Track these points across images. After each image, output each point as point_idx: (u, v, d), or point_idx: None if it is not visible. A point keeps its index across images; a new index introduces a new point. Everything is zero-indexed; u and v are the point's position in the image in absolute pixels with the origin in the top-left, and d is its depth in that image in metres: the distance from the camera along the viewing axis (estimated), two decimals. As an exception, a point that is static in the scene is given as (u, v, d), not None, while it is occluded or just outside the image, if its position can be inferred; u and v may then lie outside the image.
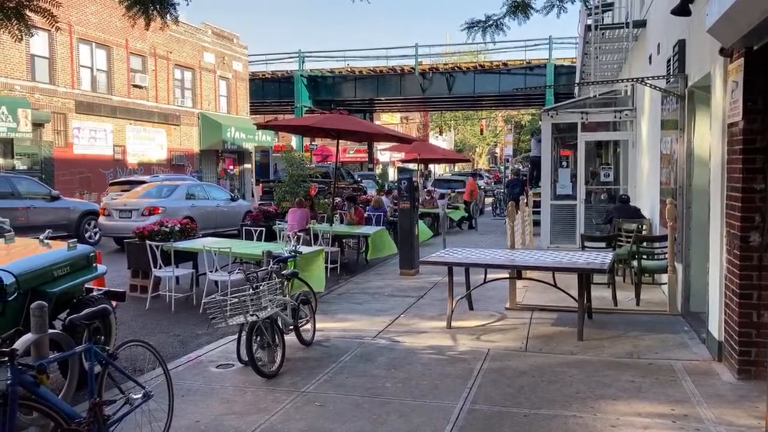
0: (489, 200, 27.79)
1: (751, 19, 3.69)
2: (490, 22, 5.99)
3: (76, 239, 5.46)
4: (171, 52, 25.41)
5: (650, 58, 9.23)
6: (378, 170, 37.96)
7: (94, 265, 5.33)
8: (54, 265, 4.80)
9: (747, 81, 4.47)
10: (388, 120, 51.70)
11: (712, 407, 4.25)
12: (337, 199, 13.87)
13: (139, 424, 3.67)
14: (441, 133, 54.29)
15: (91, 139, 21.76)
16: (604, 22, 12.66)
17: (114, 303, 5.78)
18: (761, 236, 4.53)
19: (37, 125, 19.40)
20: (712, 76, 5.52)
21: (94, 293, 5.28)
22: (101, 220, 13.61)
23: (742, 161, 4.60)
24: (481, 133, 59.67)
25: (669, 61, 7.36)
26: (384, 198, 15.59)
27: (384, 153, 39.73)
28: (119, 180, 17.89)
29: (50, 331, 3.52)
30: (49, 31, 18.41)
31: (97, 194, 19.90)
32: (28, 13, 5.33)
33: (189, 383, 4.90)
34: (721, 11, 3.89)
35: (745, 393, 4.48)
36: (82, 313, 3.35)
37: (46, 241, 5.30)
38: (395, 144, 19.00)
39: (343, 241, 11.63)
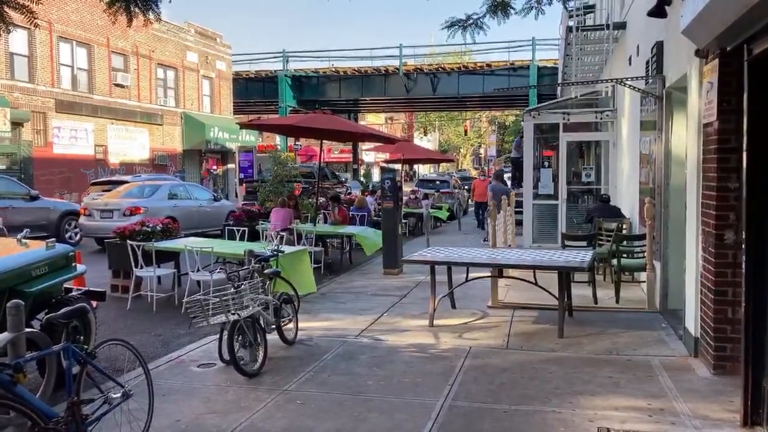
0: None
1: (724, 19, 3.76)
2: (470, 21, 6.04)
3: (54, 239, 5.40)
4: (153, 51, 25.19)
5: (630, 59, 9.36)
6: (362, 170, 37.98)
7: (73, 264, 5.28)
8: (32, 264, 4.76)
9: (721, 82, 4.56)
10: (373, 120, 51.74)
11: (688, 402, 4.32)
12: (321, 199, 13.85)
13: (118, 424, 3.64)
14: (425, 133, 54.46)
15: (72, 138, 21.49)
16: (586, 24, 12.82)
17: (94, 303, 5.73)
18: (735, 234, 4.62)
19: (16, 124, 19.13)
20: (688, 77, 5.62)
21: (74, 293, 5.24)
22: (82, 220, 13.46)
23: (717, 161, 4.69)
24: (466, 134, 59.92)
25: (647, 62, 7.47)
26: (368, 198, 15.61)
27: (369, 153, 39.74)
28: (100, 180, 17.70)
29: (27, 330, 3.48)
30: (29, 29, 18.16)
31: (77, 194, 19.66)
32: (6, 9, 5.26)
33: (170, 383, 4.87)
34: (694, 12, 3.97)
35: (721, 388, 4.56)
36: (60, 312, 3.33)
37: (24, 240, 5.24)
38: (379, 144, 19.01)
39: (327, 241, 11.63)
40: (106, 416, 3.46)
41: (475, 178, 24.61)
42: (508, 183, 18.75)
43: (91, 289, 5.67)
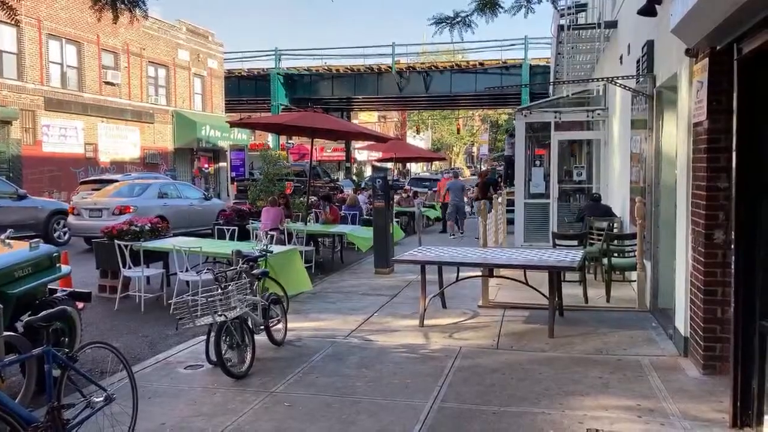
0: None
1: (713, 18, 3.74)
2: (458, 18, 5.99)
3: (38, 239, 5.32)
4: (144, 49, 25.00)
5: (621, 58, 9.35)
6: (355, 168, 37.93)
7: (57, 265, 5.21)
8: (15, 265, 4.68)
9: (711, 81, 4.54)
10: (366, 119, 51.64)
11: (678, 402, 4.31)
12: (313, 198, 13.79)
13: (101, 428, 3.58)
14: (418, 132, 54.43)
15: (61, 137, 21.30)
16: (578, 23, 12.80)
17: (80, 304, 5.66)
18: (725, 234, 4.61)
19: (5, 122, 18.95)
20: (678, 76, 5.60)
21: (58, 294, 5.16)
22: (71, 219, 13.33)
23: (706, 160, 4.68)
24: (458, 133, 59.94)
25: (638, 61, 7.46)
26: (360, 196, 15.56)
27: (361, 152, 39.67)
28: (90, 179, 17.55)
29: (5, 333, 3.42)
30: (17, 26, 17.98)
31: (67, 193, 19.50)
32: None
33: (156, 385, 4.81)
34: (684, 11, 3.94)
35: (710, 388, 4.56)
36: (39, 315, 3.26)
37: (7, 241, 5.15)
38: (371, 143, 18.99)
39: (318, 240, 11.57)
40: (88, 420, 3.40)
41: (441, 178, 22.09)
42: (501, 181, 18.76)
43: (76, 290, 5.59)
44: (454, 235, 15.15)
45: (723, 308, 4.63)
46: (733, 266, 3.85)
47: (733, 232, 3.89)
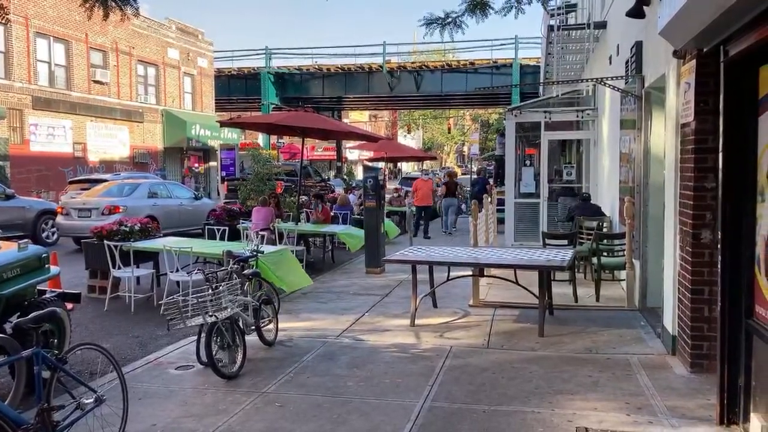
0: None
1: (701, 21, 3.78)
2: (449, 19, 6.01)
3: (27, 240, 5.29)
4: (134, 48, 24.85)
5: (610, 58, 9.42)
6: (345, 167, 37.92)
7: (46, 266, 5.17)
8: (3, 266, 4.64)
9: (698, 82, 4.59)
10: (357, 118, 51.60)
11: (665, 400, 4.35)
12: (304, 198, 13.77)
13: (91, 430, 3.57)
14: (409, 131, 54.45)
15: (49, 136, 21.12)
16: (568, 23, 12.87)
17: (69, 305, 5.63)
18: (712, 233, 4.66)
19: (-8, 121, 18.79)
20: (666, 77, 5.65)
21: (47, 295, 5.13)
22: (60, 219, 13.24)
23: (694, 160, 4.73)
24: (449, 132, 60.02)
25: (627, 62, 7.52)
26: (350, 196, 15.56)
27: (353, 151, 39.68)
28: (79, 178, 17.42)
29: (-5, 335, 3.40)
30: (5, 24, 17.81)
31: (55, 193, 19.34)
32: (-25, 5, 5.12)
33: (147, 386, 4.80)
34: (671, 14, 3.98)
35: (697, 386, 4.61)
36: (28, 316, 3.25)
37: (-5, 241, 5.12)
38: (362, 142, 18.96)
39: (310, 239, 11.56)
40: (78, 422, 3.39)
41: (417, 178, 18.30)
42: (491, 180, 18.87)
43: (66, 291, 5.56)
44: (448, 230, 15.28)
45: (710, 307, 4.68)
46: (719, 265, 3.90)
47: (719, 232, 3.94)
